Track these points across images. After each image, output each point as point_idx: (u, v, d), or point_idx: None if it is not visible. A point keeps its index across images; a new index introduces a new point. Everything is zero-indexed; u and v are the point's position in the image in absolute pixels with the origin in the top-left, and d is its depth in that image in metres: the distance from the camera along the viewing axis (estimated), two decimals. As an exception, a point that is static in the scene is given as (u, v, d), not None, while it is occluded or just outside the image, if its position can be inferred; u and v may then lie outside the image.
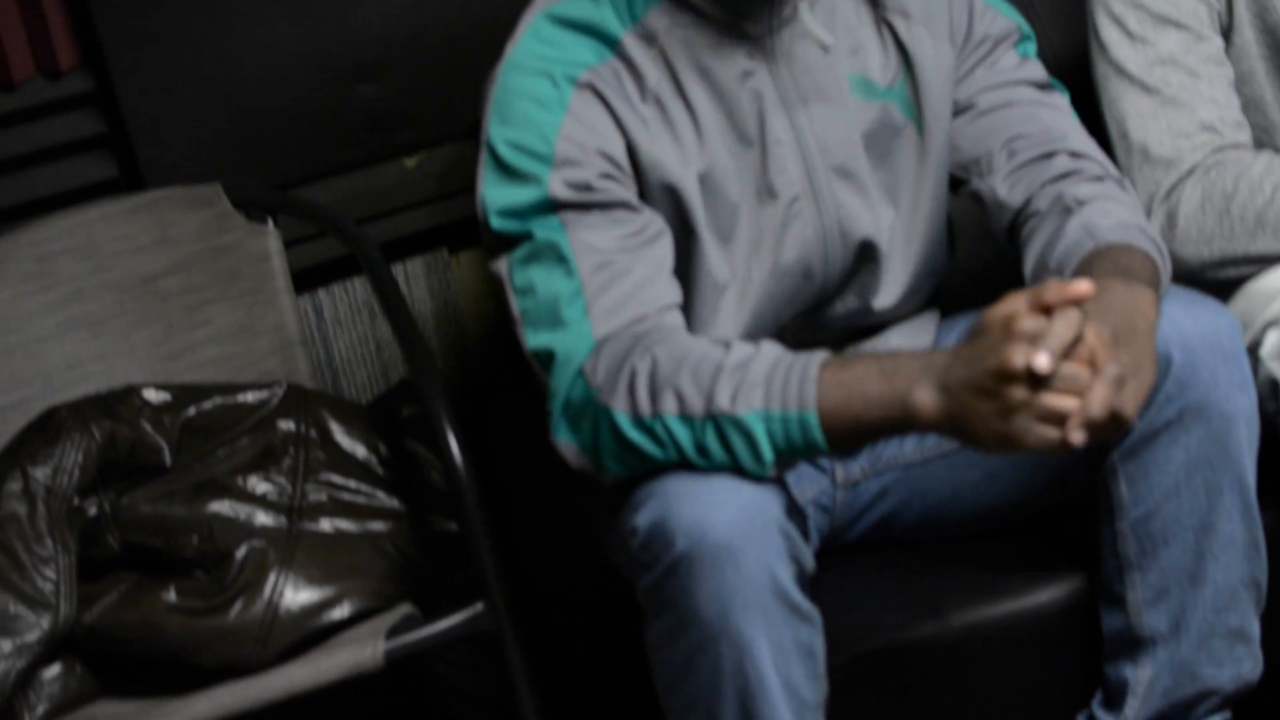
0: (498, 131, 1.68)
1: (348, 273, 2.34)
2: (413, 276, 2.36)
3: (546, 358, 1.63)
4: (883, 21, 1.77)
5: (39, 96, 2.20)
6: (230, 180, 2.18)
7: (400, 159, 2.31)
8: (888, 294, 1.81)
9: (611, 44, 1.70)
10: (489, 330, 2.41)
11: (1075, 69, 2.26)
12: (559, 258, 1.62)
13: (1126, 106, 1.89)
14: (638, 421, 1.53)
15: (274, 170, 2.26)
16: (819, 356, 1.50)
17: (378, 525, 1.95)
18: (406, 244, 2.34)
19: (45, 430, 1.93)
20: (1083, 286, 1.42)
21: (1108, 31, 1.91)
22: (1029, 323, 1.40)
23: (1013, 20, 1.82)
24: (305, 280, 2.29)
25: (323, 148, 2.27)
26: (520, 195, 1.65)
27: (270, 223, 2.16)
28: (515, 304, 1.67)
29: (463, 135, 2.29)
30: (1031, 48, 1.84)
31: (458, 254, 2.39)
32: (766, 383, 1.49)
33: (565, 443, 1.62)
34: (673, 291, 1.66)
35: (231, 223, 2.16)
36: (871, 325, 1.86)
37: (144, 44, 2.17)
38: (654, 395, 1.52)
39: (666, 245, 1.68)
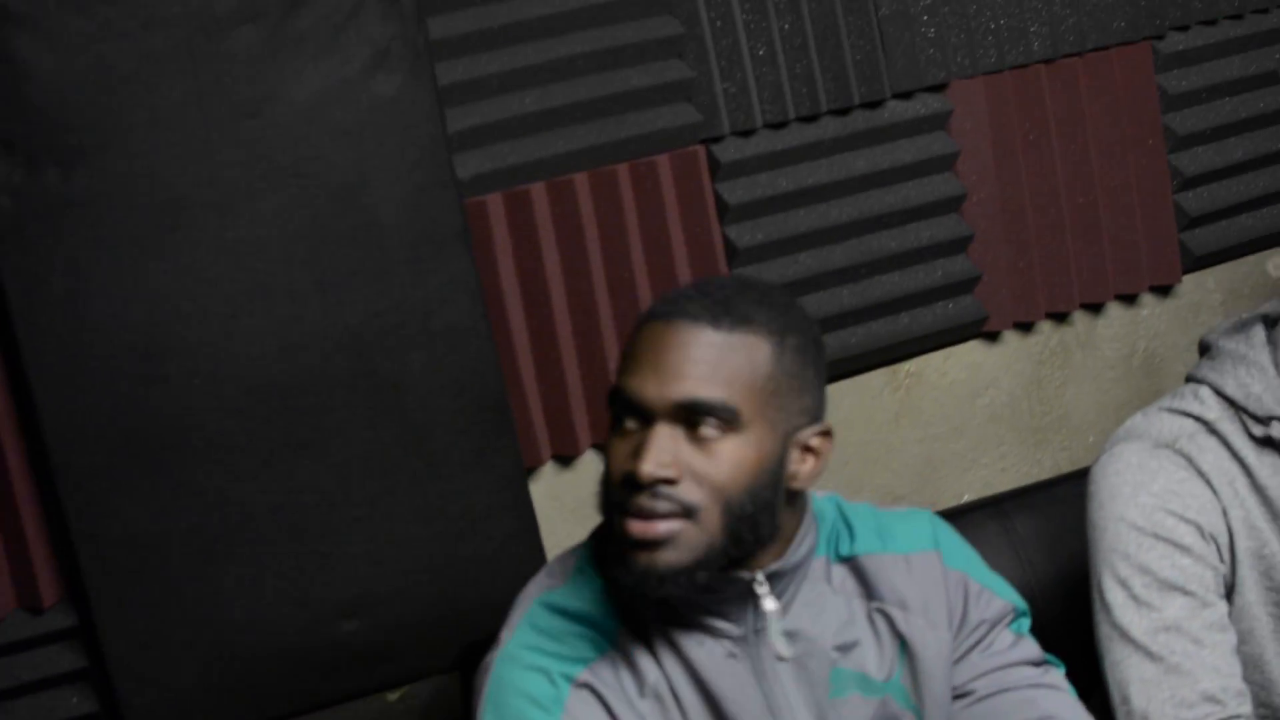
0: None
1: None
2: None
3: None
4: (878, 613, 1.76)
5: (20, 632, 2.18)
6: (211, 717, 2.15)
7: (383, 693, 2.28)
8: None
9: (610, 636, 1.69)
10: None
11: (1056, 594, 2.28)
12: None
13: (1129, 672, 1.88)
14: None
15: (255, 706, 2.22)
16: None
17: None
18: (385, 782, 2.31)
19: None
20: None
21: (1113, 594, 1.91)
22: None
23: (1008, 601, 1.82)
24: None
25: (305, 683, 2.24)
26: None
27: (250, 770, 2.12)
28: None
29: (445, 669, 2.28)
30: (1026, 624, 1.83)
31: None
32: None
33: None
34: None
35: (210, 772, 2.12)
36: None
37: (127, 581, 2.16)
38: None
39: None
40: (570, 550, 1.78)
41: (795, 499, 1.69)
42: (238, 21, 2.10)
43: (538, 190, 2.36)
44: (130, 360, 2.13)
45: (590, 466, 2.43)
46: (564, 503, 2.42)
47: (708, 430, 1.59)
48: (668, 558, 1.58)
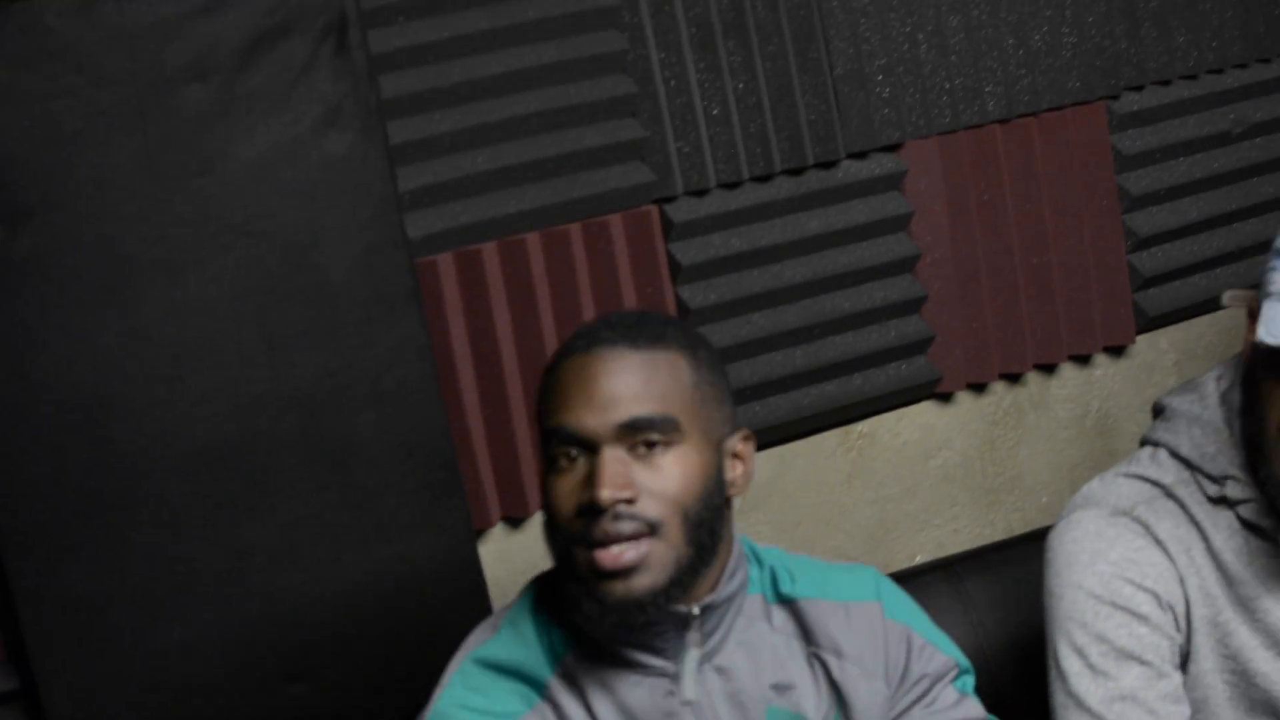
0: None
1: None
2: None
3: None
4: (815, 658, 1.77)
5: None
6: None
7: (330, 758, 2.26)
8: None
9: (539, 688, 1.69)
10: None
11: (1009, 657, 2.28)
12: None
13: None
14: None
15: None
16: None
17: None
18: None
19: None
20: None
21: (1069, 662, 1.90)
22: None
23: (951, 656, 1.82)
24: None
25: (251, 754, 2.22)
26: None
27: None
28: None
29: (394, 732, 2.26)
30: (970, 682, 1.83)
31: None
32: None
33: None
34: None
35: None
36: None
37: (70, 643, 2.14)
38: None
39: None
40: (506, 604, 1.79)
41: (729, 519, 1.73)
42: (187, 79, 2.09)
43: (489, 250, 2.36)
44: (76, 420, 2.11)
45: (540, 529, 2.41)
46: (513, 565, 2.41)
47: (652, 447, 1.63)
48: (643, 582, 1.61)
